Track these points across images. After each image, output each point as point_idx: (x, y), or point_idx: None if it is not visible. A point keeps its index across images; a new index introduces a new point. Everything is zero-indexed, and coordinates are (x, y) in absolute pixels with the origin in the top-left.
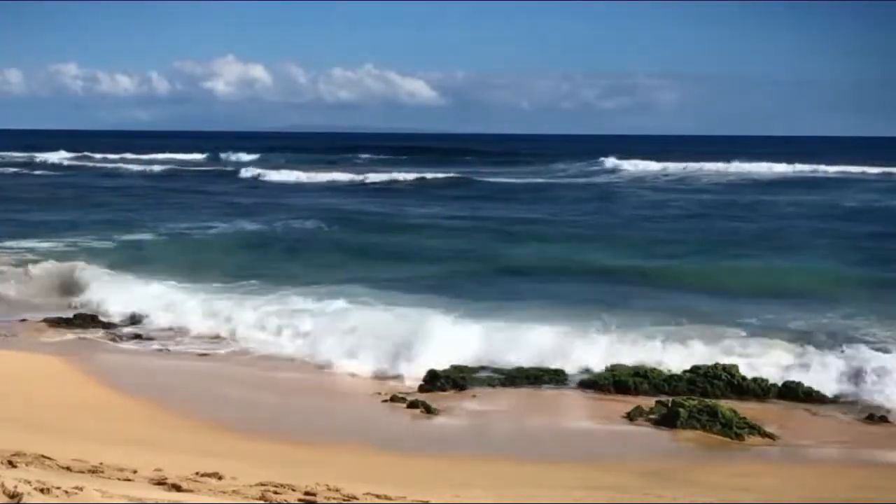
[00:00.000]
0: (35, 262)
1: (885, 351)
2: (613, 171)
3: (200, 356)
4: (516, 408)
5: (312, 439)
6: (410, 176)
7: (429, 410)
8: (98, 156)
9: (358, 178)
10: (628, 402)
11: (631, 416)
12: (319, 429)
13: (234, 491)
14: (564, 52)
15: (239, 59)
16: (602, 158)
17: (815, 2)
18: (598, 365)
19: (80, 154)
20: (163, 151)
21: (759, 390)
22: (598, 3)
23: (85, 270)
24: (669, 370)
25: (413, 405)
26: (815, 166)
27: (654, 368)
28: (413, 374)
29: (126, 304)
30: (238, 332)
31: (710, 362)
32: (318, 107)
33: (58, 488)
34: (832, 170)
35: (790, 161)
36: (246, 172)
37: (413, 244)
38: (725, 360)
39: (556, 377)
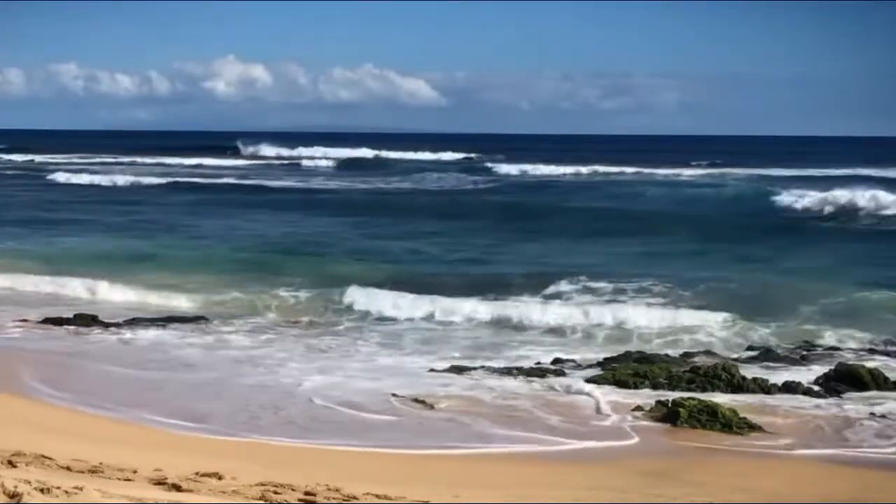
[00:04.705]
0: None
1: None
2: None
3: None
4: (516, 407)
5: (313, 438)
6: (162, 180)
7: (431, 409)
8: None
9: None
10: (628, 402)
11: (631, 416)
12: (319, 427)
13: (234, 491)
14: (564, 52)
15: (239, 59)
16: (489, 164)
17: (816, 1)
18: None
19: None
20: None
21: (758, 390)
22: (599, 4)
23: None
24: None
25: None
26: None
27: (655, 368)
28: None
29: None
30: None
31: None
32: (318, 107)
33: (58, 488)
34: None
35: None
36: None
37: None
38: None
39: (555, 375)
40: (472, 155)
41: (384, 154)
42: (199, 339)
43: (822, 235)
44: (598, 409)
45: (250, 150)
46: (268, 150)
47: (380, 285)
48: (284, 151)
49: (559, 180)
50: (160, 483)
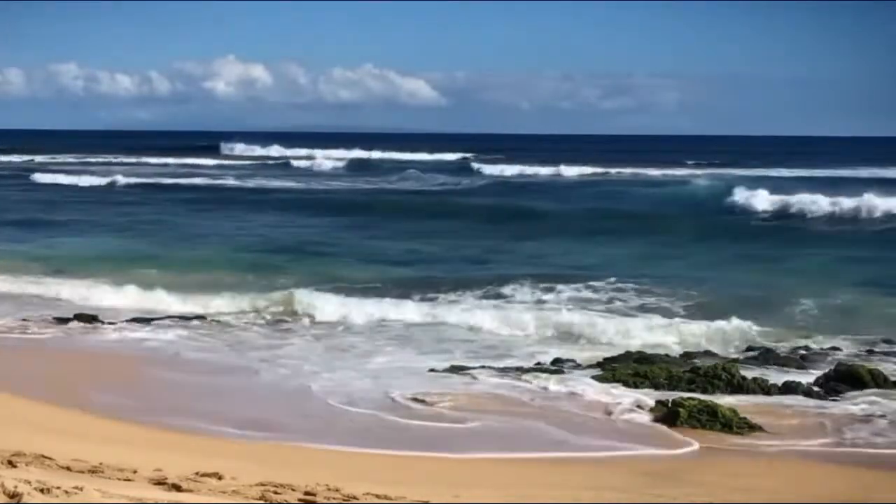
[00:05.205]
0: None
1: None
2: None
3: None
4: (516, 407)
5: (313, 438)
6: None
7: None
8: None
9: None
10: (628, 402)
11: (631, 416)
12: (319, 427)
13: (234, 491)
14: (564, 52)
15: (239, 59)
16: (489, 164)
17: (817, 1)
18: None
19: None
20: None
21: (758, 390)
22: (598, 4)
23: None
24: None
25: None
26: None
27: (655, 368)
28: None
29: None
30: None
31: None
32: (318, 107)
33: (58, 488)
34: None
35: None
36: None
37: None
38: None
39: (555, 374)
40: (472, 155)
41: (383, 154)
42: (199, 340)
43: (820, 236)
44: (598, 410)
45: (237, 149)
46: (259, 150)
47: (380, 285)
48: (281, 151)
49: (558, 180)
50: (160, 483)
